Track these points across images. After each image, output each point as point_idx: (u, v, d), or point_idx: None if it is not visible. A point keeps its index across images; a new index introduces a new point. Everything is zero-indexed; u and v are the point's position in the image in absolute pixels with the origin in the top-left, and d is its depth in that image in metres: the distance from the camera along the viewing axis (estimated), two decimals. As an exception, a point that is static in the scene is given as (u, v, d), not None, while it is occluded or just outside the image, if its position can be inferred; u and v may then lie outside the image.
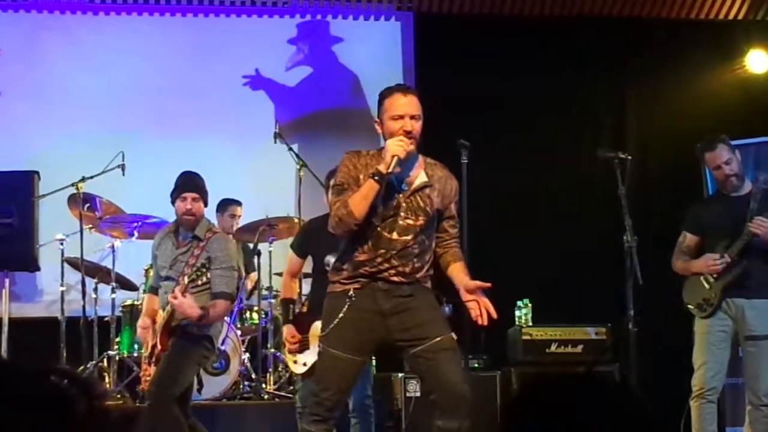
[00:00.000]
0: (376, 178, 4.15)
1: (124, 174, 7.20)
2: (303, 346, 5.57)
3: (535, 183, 8.44)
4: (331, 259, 5.53)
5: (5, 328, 7.14)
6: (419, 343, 4.26)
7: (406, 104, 4.28)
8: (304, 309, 5.89)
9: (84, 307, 7.07)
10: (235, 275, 5.53)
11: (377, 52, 8.80)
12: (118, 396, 6.75)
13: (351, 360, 4.27)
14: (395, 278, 4.27)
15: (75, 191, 7.05)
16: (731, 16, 9.00)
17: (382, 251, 4.25)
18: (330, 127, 8.60)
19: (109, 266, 7.23)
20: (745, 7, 8.92)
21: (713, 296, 5.52)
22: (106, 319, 7.17)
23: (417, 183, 4.33)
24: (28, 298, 8.12)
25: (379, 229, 4.26)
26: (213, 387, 6.56)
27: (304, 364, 5.55)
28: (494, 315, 4.26)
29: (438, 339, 4.25)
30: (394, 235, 4.26)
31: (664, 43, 8.87)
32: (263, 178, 8.27)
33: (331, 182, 4.57)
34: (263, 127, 7.88)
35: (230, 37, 8.67)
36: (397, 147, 4.17)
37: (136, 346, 6.88)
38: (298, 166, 7.25)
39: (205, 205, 5.69)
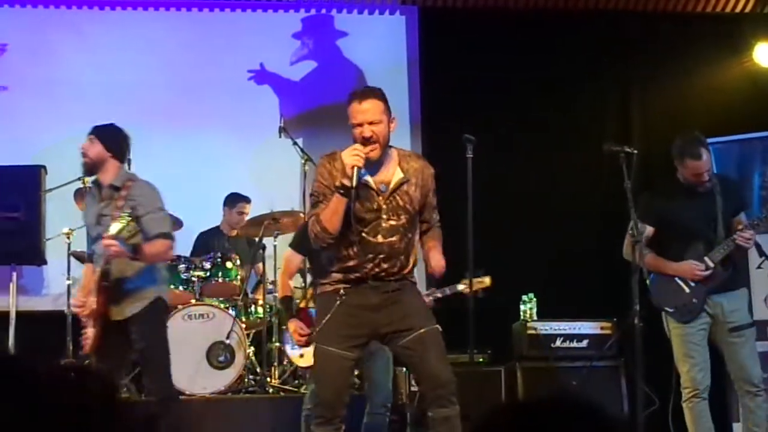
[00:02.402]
0: (341, 191, 4.21)
1: (129, 168, 7.20)
2: (310, 339, 5.58)
3: (541, 177, 8.44)
4: None
5: (12, 322, 7.16)
6: (405, 335, 4.37)
7: (363, 112, 4.31)
8: (302, 304, 5.92)
9: (90, 300, 7.08)
10: (165, 215, 5.25)
11: (382, 47, 8.79)
12: (124, 389, 6.76)
13: (343, 355, 4.34)
14: (384, 278, 4.38)
15: (81, 185, 7.07)
16: (738, 9, 8.95)
17: (371, 256, 4.34)
18: (335, 122, 8.52)
19: (115, 260, 7.23)
20: (753, 0, 8.88)
21: (696, 302, 5.52)
22: (112, 312, 7.17)
23: (394, 182, 4.38)
24: (35, 291, 8.14)
25: (363, 234, 4.33)
26: (218, 380, 6.58)
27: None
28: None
29: (422, 331, 4.36)
30: (380, 238, 4.33)
31: (671, 36, 8.84)
32: (268, 173, 8.28)
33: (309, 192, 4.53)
34: (268, 122, 7.89)
35: (235, 32, 8.68)
36: (352, 158, 4.21)
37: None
38: (303, 161, 7.25)
39: (111, 152, 5.33)
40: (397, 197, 4.37)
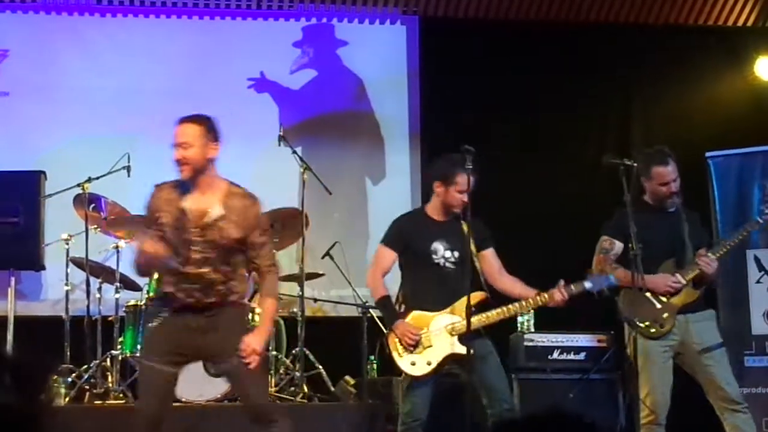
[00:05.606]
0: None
1: (129, 175, 7.23)
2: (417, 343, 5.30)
3: (540, 189, 8.43)
4: (439, 246, 5.35)
5: (11, 327, 7.17)
6: (222, 359, 4.50)
7: (176, 133, 4.54)
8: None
9: (88, 306, 7.10)
10: None
11: (382, 56, 8.80)
12: (121, 395, 6.77)
13: (161, 370, 4.44)
14: (201, 307, 4.45)
15: (81, 191, 7.08)
16: (740, 23, 8.97)
17: (185, 286, 4.42)
18: (334, 131, 8.61)
19: (114, 266, 7.24)
20: (755, 13, 8.89)
21: (666, 316, 5.47)
22: (109, 318, 7.19)
23: (210, 216, 4.45)
24: (33, 296, 8.15)
25: (177, 263, 4.40)
26: (214, 388, 6.56)
27: (428, 363, 5.30)
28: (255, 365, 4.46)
29: (235, 357, 4.44)
30: (191, 269, 4.40)
31: (672, 49, 8.85)
32: (267, 181, 8.23)
33: None
34: (267, 130, 7.90)
35: (235, 40, 8.69)
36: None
37: (138, 347, 6.90)
38: (302, 169, 7.25)
39: None
40: (210, 231, 4.44)
